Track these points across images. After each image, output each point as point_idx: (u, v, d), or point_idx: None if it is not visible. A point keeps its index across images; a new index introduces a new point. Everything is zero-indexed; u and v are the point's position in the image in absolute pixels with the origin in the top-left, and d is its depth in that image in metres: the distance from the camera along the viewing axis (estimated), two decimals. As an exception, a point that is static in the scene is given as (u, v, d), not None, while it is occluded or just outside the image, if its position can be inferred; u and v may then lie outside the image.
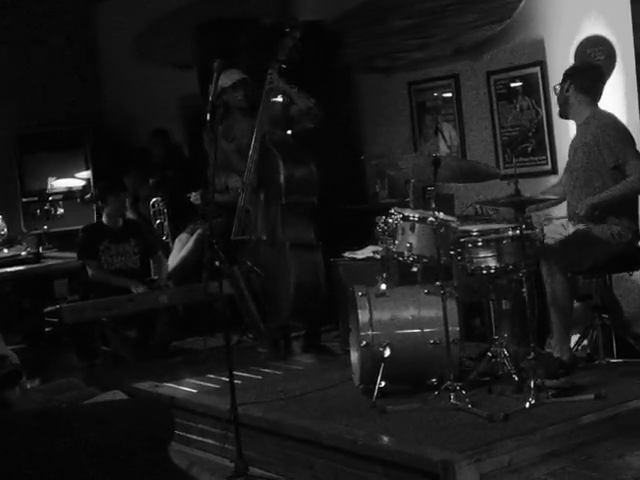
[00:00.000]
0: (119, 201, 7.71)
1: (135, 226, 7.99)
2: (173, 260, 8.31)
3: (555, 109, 7.13)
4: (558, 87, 5.95)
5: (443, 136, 8.15)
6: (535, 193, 6.42)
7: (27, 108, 10.22)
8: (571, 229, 5.82)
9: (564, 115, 6.01)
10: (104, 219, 7.73)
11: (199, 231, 8.20)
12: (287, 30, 6.65)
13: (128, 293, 7.36)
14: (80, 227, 8.08)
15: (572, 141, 5.99)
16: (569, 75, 5.92)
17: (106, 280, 7.52)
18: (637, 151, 5.72)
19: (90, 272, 7.60)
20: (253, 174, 6.70)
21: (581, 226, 5.74)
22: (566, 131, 7.01)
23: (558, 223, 6.03)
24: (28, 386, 5.55)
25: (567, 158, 6.05)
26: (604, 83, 5.99)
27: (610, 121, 5.76)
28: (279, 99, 6.75)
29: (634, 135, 5.90)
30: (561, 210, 6.17)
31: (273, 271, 6.73)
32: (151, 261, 7.97)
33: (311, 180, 6.67)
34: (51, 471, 3.37)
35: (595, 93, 5.87)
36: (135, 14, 10.37)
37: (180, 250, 8.35)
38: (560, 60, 7.03)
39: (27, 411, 4.05)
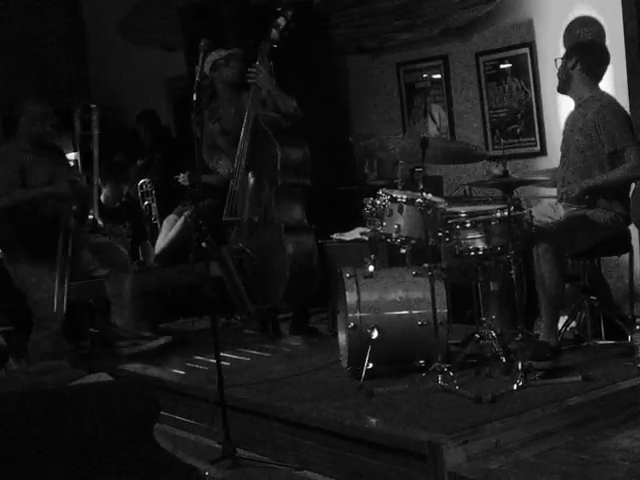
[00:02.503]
0: (117, 189, 7.68)
1: (131, 209, 7.95)
2: (161, 242, 8.29)
3: (545, 90, 7.16)
4: (561, 61, 5.82)
5: (432, 117, 8.13)
6: (524, 174, 6.42)
7: (12, 90, 10.15)
8: (561, 211, 5.78)
9: (563, 91, 5.90)
10: (102, 197, 7.69)
11: (187, 212, 8.17)
12: (279, 9, 6.62)
13: None
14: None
15: (568, 119, 5.90)
16: (577, 52, 5.79)
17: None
18: (636, 138, 5.65)
19: None
20: (245, 155, 6.66)
21: (575, 210, 5.71)
22: (555, 112, 7.00)
23: (546, 204, 6.01)
24: (14, 368, 5.53)
25: (562, 136, 6.00)
26: (607, 66, 5.91)
27: (612, 105, 5.68)
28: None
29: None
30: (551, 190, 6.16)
31: (266, 253, 6.71)
32: (139, 247, 7.94)
33: (305, 162, 6.67)
34: (35, 452, 3.36)
35: (598, 75, 5.78)
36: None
37: (168, 232, 8.32)
38: (549, 41, 7.03)
39: (12, 392, 4.02)
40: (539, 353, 5.32)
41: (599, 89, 5.77)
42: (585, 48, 5.91)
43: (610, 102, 5.72)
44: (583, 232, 5.61)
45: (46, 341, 6.50)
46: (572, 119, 5.85)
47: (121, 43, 10.57)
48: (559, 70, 5.83)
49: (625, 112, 5.75)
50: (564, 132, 5.93)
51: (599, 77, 5.79)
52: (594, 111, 5.65)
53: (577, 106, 5.83)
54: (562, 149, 5.92)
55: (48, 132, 6.56)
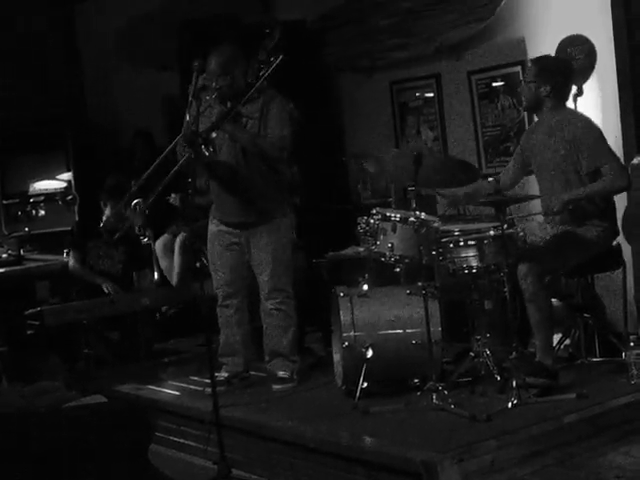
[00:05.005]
0: (115, 210, 7.62)
1: (128, 236, 7.91)
2: (167, 268, 8.26)
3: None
4: (532, 85, 5.72)
5: (425, 136, 8.15)
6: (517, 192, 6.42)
7: (6, 109, 10.15)
8: (550, 229, 5.78)
9: (532, 111, 5.92)
10: (103, 218, 7.65)
11: (180, 237, 8.19)
12: (267, 31, 6.67)
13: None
14: (61, 229, 8.06)
15: (534, 135, 5.86)
16: (550, 78, 5.69)
17: (82, 274, 7.55)
18: (613, 153, 5.65)
19: (70, 263, 7.65)
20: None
21: (563, 228, 5.70)
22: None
23: (536, 224, 6.02)
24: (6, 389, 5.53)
25: (520, 146, 5.98)
26: (572, 83, 5.92)
27: (587, 125, 5.68)
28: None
29: (614, 133, 5.89)
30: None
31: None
32: (135, 273, 7.90)
33: (294, 181, 6.66)
34: (30, 473, 3.35)
35: (568, 95, 5.80)
36: (116, 14, 10.33)
37: (163, 253, 8.32)
38: (541, 59, 7.04)
39: (6, 414, 4.02)
40: (535, 370, 5.32)
41: (567, 108, 5.79)
42: (557, 73, 5.76)
43: (585, 121, 5.70)
44: (571, 249, 5.59)
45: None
46: (537, 139, 5.82)
47: (116, 62, 10.58)
48: (528, 94, 5.76)
49: (600, 130, 5.70)
50: (524, 150, 5.91)
51: (568, 97, 5.80)
52: (569, 131, 5.63)
53: (543, 126, 5.79)
54: (534, 168, 5.88)
55: (219, 87, 5.92)
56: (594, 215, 5.64)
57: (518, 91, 5.93)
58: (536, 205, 6.23)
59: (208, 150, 5.64)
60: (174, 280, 8.18)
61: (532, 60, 5.93)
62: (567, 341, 5.96)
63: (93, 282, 7.50)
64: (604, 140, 5.65)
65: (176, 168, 5.81)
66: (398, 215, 5.60)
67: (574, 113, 5.80)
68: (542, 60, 5.91)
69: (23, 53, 10.38)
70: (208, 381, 5.31)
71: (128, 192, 7.67)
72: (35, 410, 4.83)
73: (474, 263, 5.45)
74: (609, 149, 5.64)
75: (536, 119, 5.93)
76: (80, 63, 10.96)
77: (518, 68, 7.27)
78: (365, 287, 5.69)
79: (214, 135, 5.73)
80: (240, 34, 8.20)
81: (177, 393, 6.29)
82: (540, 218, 5.97)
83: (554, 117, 5.73)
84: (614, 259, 5.86)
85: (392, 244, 5.56)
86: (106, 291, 7.42)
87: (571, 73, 5.88)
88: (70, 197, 9.75)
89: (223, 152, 5.91)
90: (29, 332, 7.23)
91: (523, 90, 5.84)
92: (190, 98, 5.72)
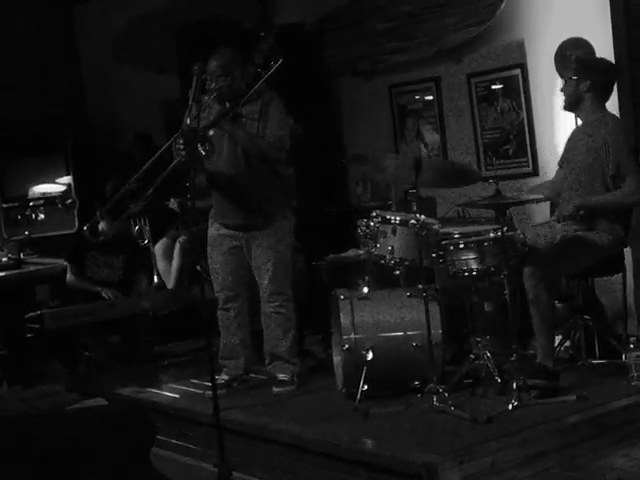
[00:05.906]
0: (112, 225, 7.56)
1: (126, 242, 7.89)
2: (166, 271, 8.27)
3: (536, 111, 7.17)
4: (573, 81, 5.72)
5: (424, 139, 8.15)
6: (517, 193, 6.41)
7: (6, 109, 10.15)
8: (558, 228, 5.76)
9: (571, 109, 5.87)
10: (99, 227, 7.59)
11: (180, 240, 8.19)
12: (262, 34, 6.68)
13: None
14: (61, 233, 8.06)
15: (574, 135, 5.88)
16: (591, 74, 5.70)
17: (80, 286, 7.62)
18: (637, 165, 5.64)
19: (68, 276, 7.71)
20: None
21: (574, 230, 5.68)
22: (551, 132, 7.01)
23: (542, 223, 6.01)
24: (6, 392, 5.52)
25: (564, 150, 5.95)
26: (615, 84, 5.89)
27: (622, 129, 5.67)
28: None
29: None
30: (543, 213, 6.18)
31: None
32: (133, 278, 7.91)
33: (290, 182, 6.66)
34: (30, 474, 3.35)
35: (608, 95, 5.78)
36: (116, 15, 10.34)
37: (163, 257, 8.32)
38: (541, 62, 7.05)
39: (7, 417, 4.02)
40: (535, 372, 5.31)
41: (606, 109, 5.76)
42: (598, 71, 5.77)
43: (621, 126, 5.70)
44: (581, 254, 5.56)
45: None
46: (576, 140, 5.83)
47: (116, 65, 10.58)
48: (569, 90, 5.75)
49: (631, 137, 5.72)
50: (566, 152, 5.91)
51: (608, 97, 5.78)
52: (604, 132, 5.62)
53: (583, 126, 5.80)
54: (565, 170, 5.88)
55: (218, 87, 5.90)
56: (608, 222, 5.63)
57: (560, 90, 5.88)
58: (539, 206, 6.25)
59: (204, 148, 5.64)
60: (171, 283, 8.18)
61: (576, 57, 5.96)
62: (567, 343, 5.96)
63: (92, 291, 7.52)
64: (633, 149, 5.65)
65: (172, 166, 5.82)
66: (398, 218, 5.61)
67: (609, 115, 5.74)
68: (585, 58, 5.96)
69: (23, 53, 10.38)
70: (208, 384, 5.31)
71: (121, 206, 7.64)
72: (37, 413, 4.83)
73: (474, 265, 5.45)
74: (635, 160, 5.62)
75: (579, 122, 5.91)
76: (80, 63, 10.97)
77: (517, 71, 7.28)
78: (365, 290, 5.69)
79: (211, 133, 5.75)
80: (238, 37, 8.22)
81: (177, 396, 6.29)
82: (546, 217, 5.96)
83: (592, 116, 5.72)
84: (616, 263, 5.86)
85: (392, 247, 5.57)
86: (105, 297, 7.44)
87: (612, 74, 5.84)
88: (69, 200, 9.76)
89: (224, 154, 5.93)
90: (29, 335, 7.23)
91: (565, 86, 5.80)
92: (190, 101, 5.72)
